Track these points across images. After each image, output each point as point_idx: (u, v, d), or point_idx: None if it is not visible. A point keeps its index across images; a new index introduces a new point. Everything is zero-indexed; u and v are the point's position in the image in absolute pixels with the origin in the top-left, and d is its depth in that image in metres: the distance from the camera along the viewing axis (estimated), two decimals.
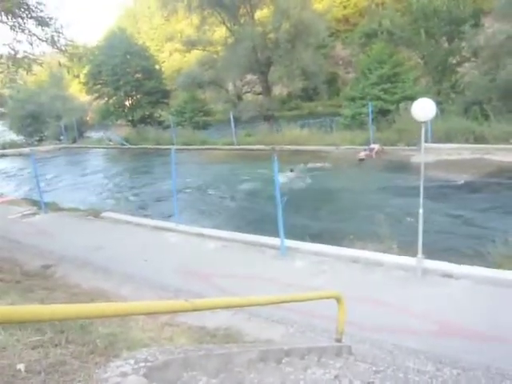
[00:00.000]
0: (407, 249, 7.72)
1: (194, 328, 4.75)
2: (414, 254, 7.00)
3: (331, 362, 3.61)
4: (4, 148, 37.32)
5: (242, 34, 27.59)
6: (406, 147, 18.59)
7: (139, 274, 7.88)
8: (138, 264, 8.47)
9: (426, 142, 7.18)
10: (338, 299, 4.32)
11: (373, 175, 17.02)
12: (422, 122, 6.59)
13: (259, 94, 34.74)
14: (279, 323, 5.74)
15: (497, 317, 5.54)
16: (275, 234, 8.74)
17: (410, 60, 26.69)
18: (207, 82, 32.47)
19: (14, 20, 8.76)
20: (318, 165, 19.06)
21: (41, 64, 10.30)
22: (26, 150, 29.67)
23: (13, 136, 42.50)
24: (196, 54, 37.22)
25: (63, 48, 9.74)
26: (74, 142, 37.76)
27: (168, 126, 31.92)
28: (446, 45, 24.65)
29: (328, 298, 4.51)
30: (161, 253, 9.17)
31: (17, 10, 8.70)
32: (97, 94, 39.68)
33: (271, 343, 4.05)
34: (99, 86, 38.98)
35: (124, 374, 1.80)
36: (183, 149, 25.75)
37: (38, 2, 8.96)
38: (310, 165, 19.12)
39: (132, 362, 1.92)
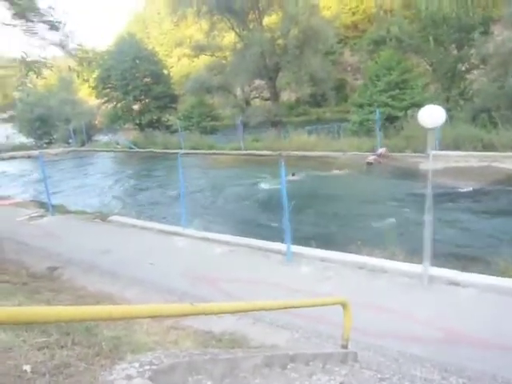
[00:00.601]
0: (413, 256, 7.69)
1: (200, 332, 4.75)
2: (420, 261, 6.96)
3: (336, 369, 3.59)
4: (13, 150, 37.59)
5: (251, 40, 27.72)
6: (414, 154, 18.53)
7: (145, 278, 7.90)
8: (145, 267, 8.49)
9: (434, 149, 7.16)
10: (344, 305, 4.31)
11: (380, 181, 17.00)
12: (429, 129, 6.57)
13: (267, 99, 34.81)
14: (284, 328, 5.73)
15: (501, 325, 5.49)
16: (277, 238, 8.78)
17: (419, 67, 26.72)
18: (215, 87, 32.60)
19: (26, 24, 8.85)
20: (324, 173, 19.06)
21: (51, 68, 10.40)
22: (35, 152, 29.88)
23: (22, 139, 42.83)
24: (204, 59, 37.44)
25: (73, 52, 9.83)
26: (83, 145, 37.98)
27: (176, 131, 32.08)
28: (455, 52, 24.64)
29: (334, 303, 4.49)
30: (167, 256, 9.19)
31: (28, 14, 8.79)
32: (106, 98, 39.98)
33: (276, 348, 4.04)
34: (108, 90, 39.28)
35: (129, 377, 1.80)
36: (190, 153, 25.83)
37: (49, 7, 9.06)
38: (317, 172, 19.14)
39: (137, 365, 1.92)
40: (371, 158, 19.11)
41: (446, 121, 6.79)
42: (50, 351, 2.81)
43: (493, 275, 6.79)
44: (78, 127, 38.03)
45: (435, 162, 7.89)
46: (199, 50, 34.57)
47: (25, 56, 9.48)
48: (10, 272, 7.74)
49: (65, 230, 11.96)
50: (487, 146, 17.44)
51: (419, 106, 13.55)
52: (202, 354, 2.40)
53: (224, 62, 33.14)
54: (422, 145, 16.05)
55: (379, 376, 3.53)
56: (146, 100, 38.88)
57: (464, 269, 7.06)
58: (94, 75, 35.42)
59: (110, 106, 40.23)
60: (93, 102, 46.08)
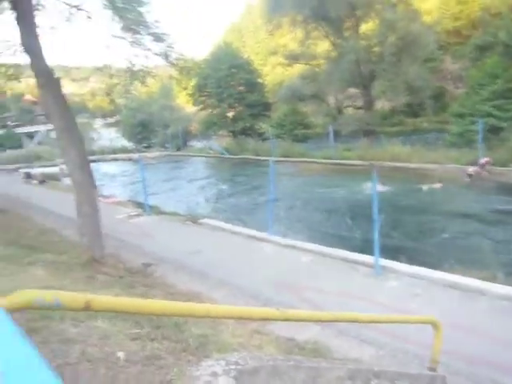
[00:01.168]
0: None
1: (282, 339, 4.76)
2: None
3: None
4: (115, 153, 40.48)
5: (346, 48, 27.43)
6: None
7: (232, 281, 8.08)
8: (232, 270, 8.69)
9: None
10: (435, 325, 4.09)
11: (479, 197, 15.91)
12: None
13: (360, 108, 34.14)
14: (369, 344, 5.56)
15: None
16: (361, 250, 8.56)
17: None
18: (308, 95, 32.65)
19: (134, 36, 9.50)
20: (417, 185, 18.24)
21: (154, 76, 11.05)
22: (135, 155, 31.89)
23: (124, 142, 46.01)
24: (298, 68, 37.66)
25: (174, 62, 10.36)
26: (178, 149, 39.88)
27: (267, 138, 32.55)
28: None
29: (424, 322, 4.29)
30: (254, 262, 9.33)
31: (135, 27, 9.42)
32: (202, 106, 41.71)
33: (360, 363, 3.93)
34: (204, 98, 40.95)
35: (215, 374, 1.85)
36: (281, 161, 26.05)
37: (155, 20, 9.65)
38: (409, 184, 18.39)
39: (223, 363, 1.97)
40: (472, 169, 17.95)
41: None
42: (142, 342, 2.97)
43: None
44: (175, 133, 40.01)
45: None
46: (293, 58, 34.89)
47: (131, 66, 10.17)
48: (109, 265, 8.30)
49: (159, 229, 12.61)
50: None
51: None
52: (286, 360, 2.40)
53: (317, 70, 33.10)
54: None
55: None
56: (240, 108, 39.95)
57: None
58: (192, 83, 37.12)
59: (206, 113, 41.88)
60: (189, 109, 48.31)
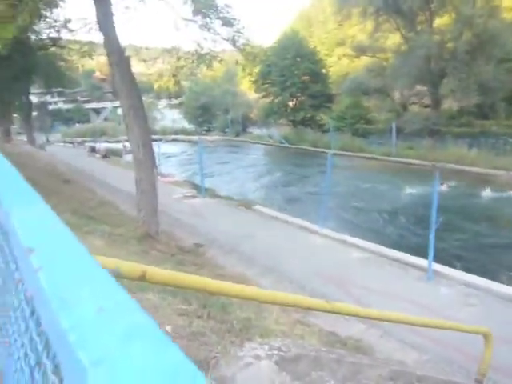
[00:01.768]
0: None
1: (325, 332, 4.75)
2: None
3: None
4: (177, 134, 41.39)
5: (417, 42, 26.42)
6: None
7: (281, 269, 8.13)
8: (281, 259, 8.73)
9: None
10: (487, 337, 3.94)
11: None
12: None
13: (426, 106, 32.92)
14: (413, 348, 5.44)
15: None
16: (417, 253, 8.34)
17: None
18: (373, 89, 31.86)
19: (204, 20, 9.62)
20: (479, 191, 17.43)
21: (220, 61, 11.18)
22: (195, 138, 32.47)
23: (185, 124, 46.94)
24: (365, 60, 36.75)
25: (241, 47, 10.42)
26: (238, 135, 40.21)
27: (327, 130, 32.13)
28: None
29: (475, 333, 4.13)
30: (303, 252, 9.32)
31: (206, 11, 9.54)
32: (264, 93, 41.67)
33: (403, 365, 3.86)
34: (267, 86, 40.86)
35: (258, 357, 1.89)
36: (339, 154, 25.67)
37: (226, 4, 9.73)
38: (471, 189, 17.62)
39: (266, 347, 2.00)
40: None
41: None
42: (189, 318, 3.07)
43: None
44: (235, 118, 40.34)
45: None
46: (361, 50, 34.06)
47: (198, 49, 10.33)
48: (163, 242, 8.57)
49: (212, 212, 12.84)
50: None
51: None
52: (329, 352, 2.41)
53: (385, 64, 32.17)
54: None
55: None
56: (302, 97, 39.56)
57: None
58: (256, 70, 37.15)
59: (267, 100, 41.83)
60: (251, 95, 48.44)
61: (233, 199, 14.81)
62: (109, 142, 31.56)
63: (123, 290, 0.47)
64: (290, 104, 40.53)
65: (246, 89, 53.40)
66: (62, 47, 25.07)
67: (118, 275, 1.40)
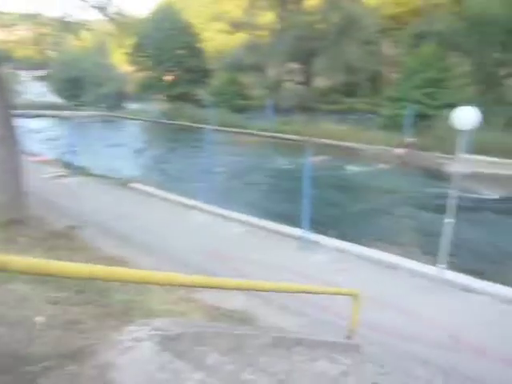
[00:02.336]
0: (429, 257, 7.61)
1: (209, 307, 4.80)
2: (435, 264, 6.91)
3: (340, 358, 3.60)
4: (43, 109, 38.07)
5: (290, 22, 27.36)
6: (442, 155, 18.17)
7: (161, 247, 7.99)
8: (161, 237, 8.58)
9: (463, 152, 7.02)
10: (355, 297, 4.29)
11: (403, 178, 16.74)
12: (461, 131, 6.43)
13: (300, 83, 34.40)
14: (293, 313, 5.75)
15: (509, 335, 5.44)
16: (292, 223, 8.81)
17: (459, 66, 25.86)
18: (249, 65, 32.39)
19: None
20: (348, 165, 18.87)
21: (88, 30, 10.46)
22: (65, 113, 30.26)
23: (53, 98, 43.37)
24: (241, 37, 37.09)
25: (112, 16, 9.84)
26: (112, 110, 38.30)
27: (205, 106, 32.01)
28: (497, 55, 23.72)
29: (345, 294, 4.48)
30: (184, 229, 9.27)
31: None
32: (139, 67, 40.07)
33: (283, 331, 4.06)
34: (142, 59, 39.35)
35: (138, 339, 1.82)
36: (218, 130, 25.76)
37: None
38: (341, 162, 18.97)
39: (147, 329, 1.95)
40: (399, 151, 18.87)
41: (480, 125, 6.64)
42: (63, 307, 2.87)
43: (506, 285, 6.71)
44: (109, 92, 38.29)
45: (463, 165, 7.76)
46: (236, 26, 34.35)
47: (64, 16, 9.54)
48: (32, 227, 7.91)
49: (86, 191, 12.14)
50: None
51: (453, 106, 13.25)
52: (211, 327, 2.42)
53: (260, 41, 32.81)
54: (451, 146, 15.70)
55: (381, 370, 3.53)
56: (179, 72, 38.83)
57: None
58: (130, 42, 35.51)
59: (143, 74, 40.34)
60: (126, 68, 46.28)
61: (109, 177, 14.12)
62: None
63: None
64: (167, 79, 39.59)
65: (120, 62, 50.86)
66: None
67: None
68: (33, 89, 46.85)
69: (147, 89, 39.48)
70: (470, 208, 11.91)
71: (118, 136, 28.19)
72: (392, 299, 6.34)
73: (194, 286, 2.70)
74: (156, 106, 36.81)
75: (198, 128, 26.56)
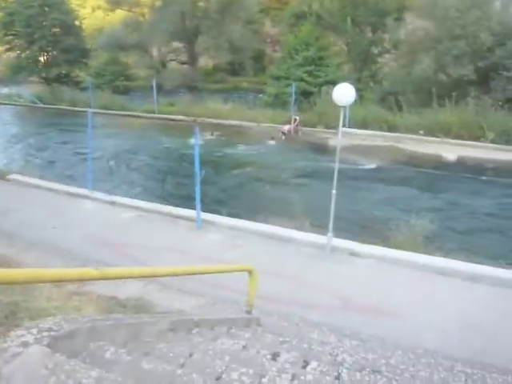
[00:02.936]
0: (318, 227, 8.08)
1: (103, 298, 4.64)
2: (325, 233, 7.34)
3: (240, 333, 3.72)
4: None
5: None
6: (325, 130, 19.20)
7: (47, 241, 7.50)
8: (46, 231, 8.06)
9: (343, 126, 7.49)
10: (250, 272, 4.44)
11: (289, 154, 17.44)
12: (341, 107, 6.84)
13: (184, 63, 33.87)
14: (191, 294, 5.78)
15: (393, 294, 6.01)
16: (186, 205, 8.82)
17: (335, 45, 27.28)
18: (130, 44, 31.10)
19: None
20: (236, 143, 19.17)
21: None
22: None
23: None
24: (120, 14, 35.35)
25: None
26: None
27: (85, 88, 30.14)
28: (369, 35, 25.42)
29: (240, 270, 4.61)
30: (72, 220, 8.78)
31: None
32: (8, 46, 36.44)
33: (182, 314, 4.07)
34: (11, 37, 35.77)
35: (25, 344, 1.71)
36: (101, 113, 24.54)
37: None
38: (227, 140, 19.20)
39: (35, 331, 1.83)
40: (286, 127, 19.52)
41: (356, 100, 7.12)
42: None
43: (389, 247, 7.36)
44: None
45: (344, 138, 8.27)
46: (115, 3, 32.69)
47: None
48: None
49: None
50: (392, 128, 18.52)
51: (333, 83, 14.01)
52: (105, 320, 2.35)
53: (141, 19, 31.61)
54: (332, 121, 16.68)
55: (281, 339, 3.71)
56: (54, 52, 35.99)
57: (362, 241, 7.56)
58: None
59: (13, 55, 36.77)
60: None
61: None
62: None
63: None
64: (42, 59, 36.54)
65: None
66: None
67: None
68: None
69: (19, 70, 36.07)
70: (349, 177, 12.74)
71: None
72: (286, 270, 6.67)
73: (84, 280, 2.60)
74: (31, 89, 33.85)
75: (78, 112, 25.07)
